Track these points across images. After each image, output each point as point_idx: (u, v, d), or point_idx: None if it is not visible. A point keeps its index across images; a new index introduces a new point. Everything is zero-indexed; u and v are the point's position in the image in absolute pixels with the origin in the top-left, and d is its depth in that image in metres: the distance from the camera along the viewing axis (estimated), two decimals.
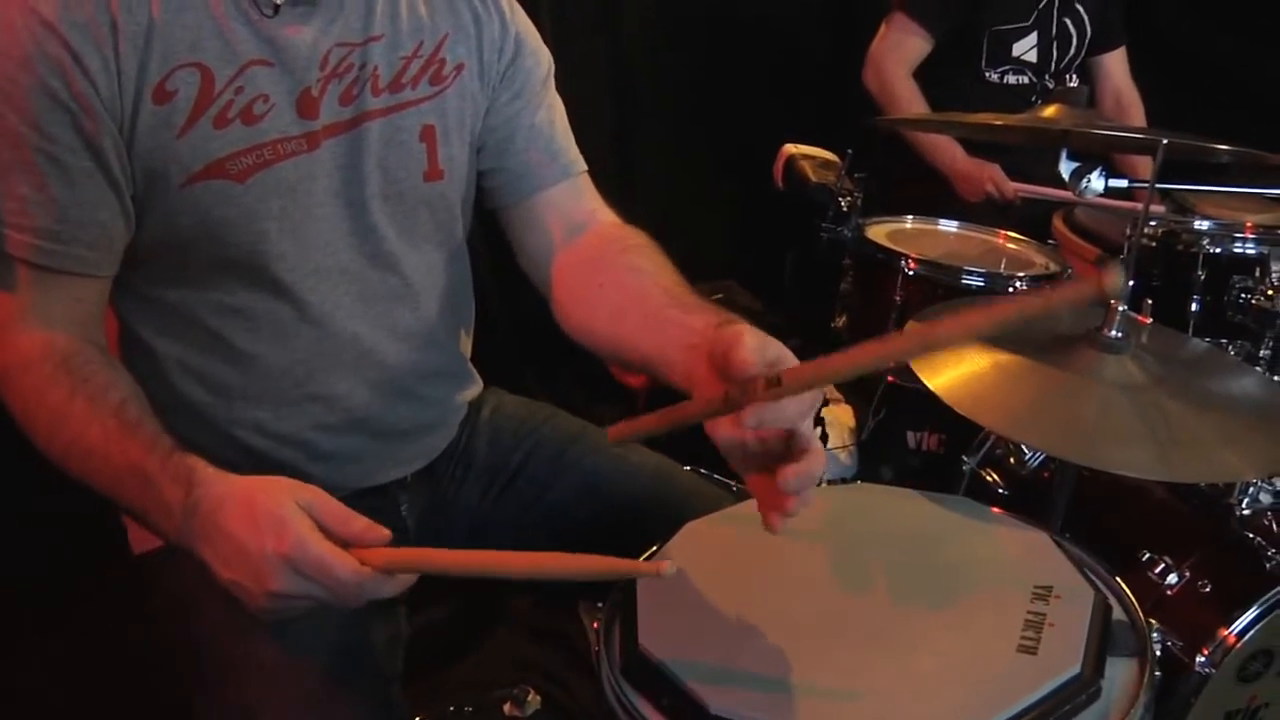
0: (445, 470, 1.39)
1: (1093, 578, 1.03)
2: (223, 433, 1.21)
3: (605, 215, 1.32)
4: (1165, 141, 1.30)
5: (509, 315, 2.58)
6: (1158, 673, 0.95)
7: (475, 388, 1.43)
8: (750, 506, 1.15)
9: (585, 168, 1.33)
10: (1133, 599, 1.02)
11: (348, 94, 1.14)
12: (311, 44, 1.11)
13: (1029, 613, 0.96)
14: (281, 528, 0.91)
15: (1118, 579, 1.05)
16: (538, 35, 1.32)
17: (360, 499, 1.28)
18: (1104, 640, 0.93)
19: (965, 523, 1.12)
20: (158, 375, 1.18)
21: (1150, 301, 1.33)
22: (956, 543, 1.09)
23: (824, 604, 1.00)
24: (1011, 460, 1.80)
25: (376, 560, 0.91)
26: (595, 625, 1.02)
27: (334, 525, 0.93)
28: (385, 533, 0.94)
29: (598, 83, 2.98)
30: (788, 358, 0.91)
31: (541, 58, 1.31)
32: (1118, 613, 1.00)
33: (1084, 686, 0.88)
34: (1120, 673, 0.94)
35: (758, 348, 0.90)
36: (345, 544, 0.92)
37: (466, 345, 1.40)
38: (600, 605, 1.04)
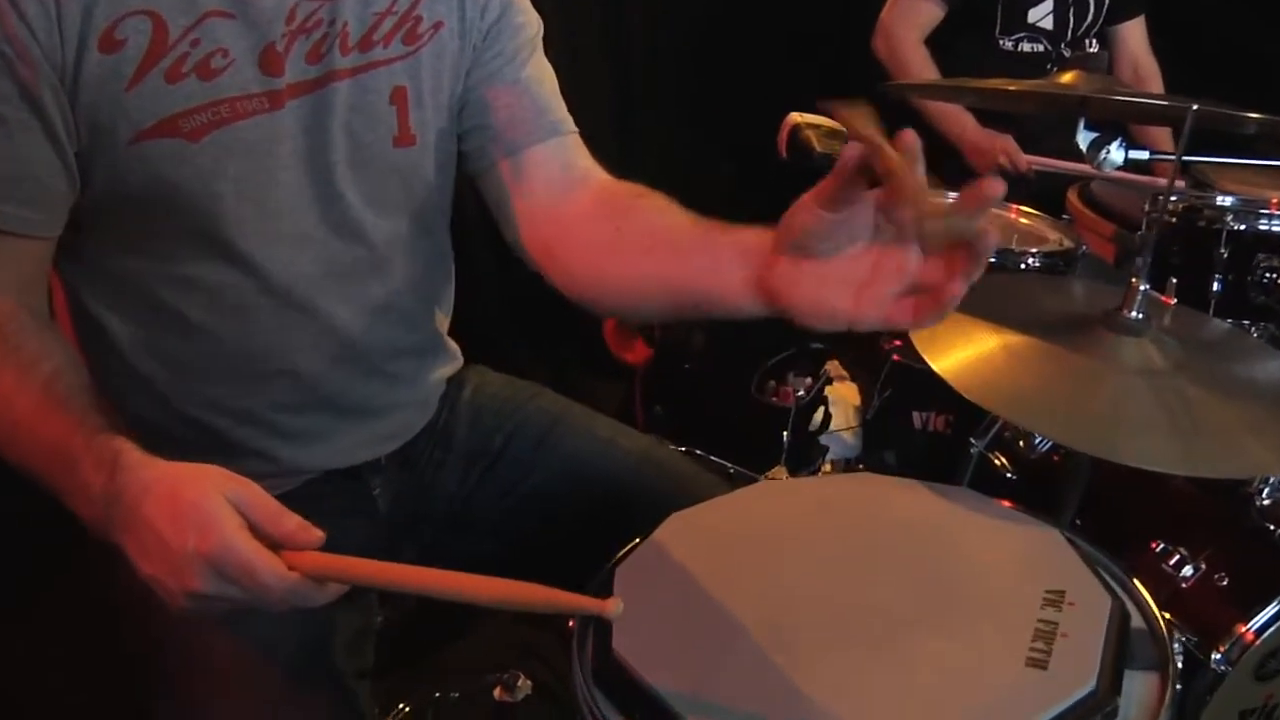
0: (422, 452, 1.32)
1: (1109, 580, 0.95)
2: (179, 410, 1.14)
3: (601, 174, 1.22)
4: (1194, 108, 1.21)
5: (502, 287, 2.51)
6: (1179, 685, 0.88)
7: (453, 365, 1.36)
8: (742, 496, 1.08)
9: (576, 129, 1.24)
10: (1153, 605, 0.94)
11: (315, 51, 1.07)
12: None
13: (1039, 621, 0.87)
14: (206, 524, 0.83)
15: (1136, 582, 0.97)
16: None
17: (330, 481, 1.23)
18: (1121, 653, 0.85)
19: (971, 518, 1.04)
20: (109, 350, 1.12)
21: (1175, 281, 1.25)
22: (961, 541, 1.01)
23: (816, 609, 0.92)
24: (1021, 444, 1.73)
25: (306, 564, 0.84)
26: (570, 624, 0.94)
27: (264, 522, 0.86)
28: (318, 534, 0.87)
29: (597, 61, 2.90)
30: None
31: (530, 17, 1.23)
32: (1136, 620, 0.92)
33: (1099, 705, 0.80)
34: (1139, 688, 0.86)
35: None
36: (275, 544, 0.85)
37: (443, 321, 1.33)
38: None
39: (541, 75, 1.23)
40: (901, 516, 1.04)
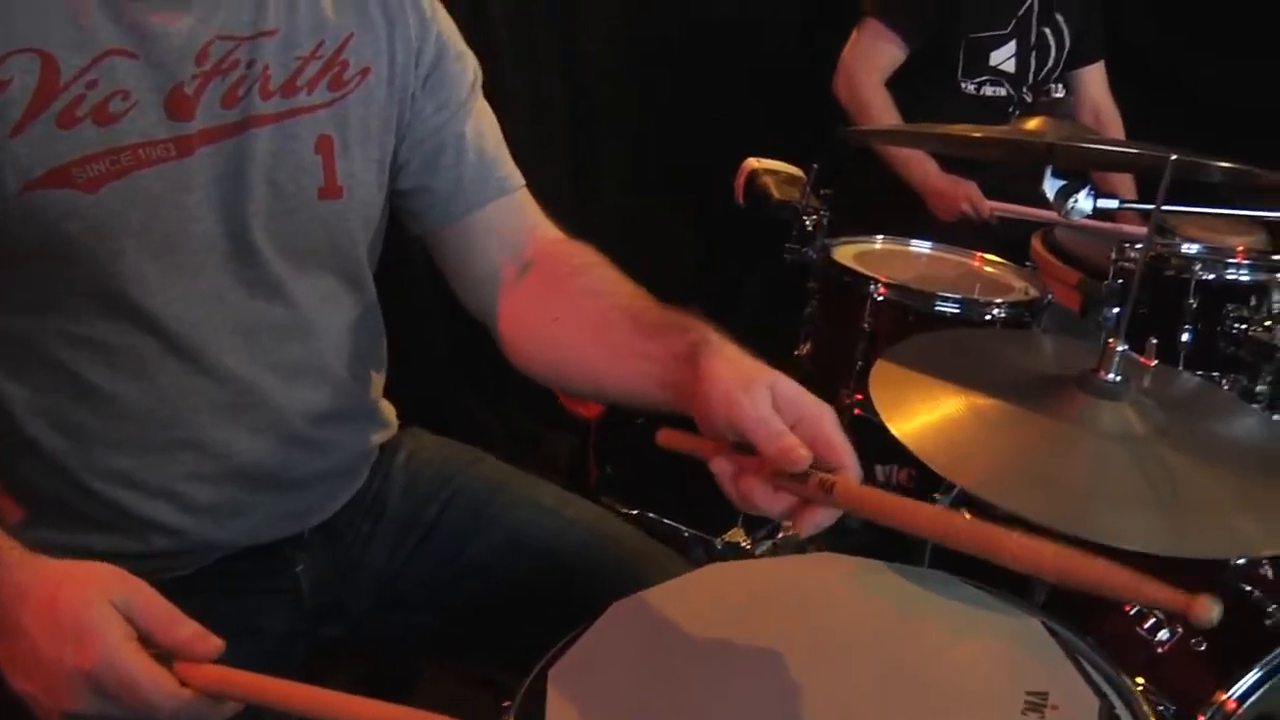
0: (350, 525, 1.23)
1: (1093, 674, 0.87)
2: (79, 482, 1.04)
3: (548, 231, 1.19)
4: (1173, 158, 1.15)
5: (449, 336, 2.42)
6: None
7: (386, 430, 1.27)
8: (690, 581, 0.99)
9: (523, 181, 1.19)
10: (1143, 702, 0.86)
11: (231, 95, 0.99)
12: (187, 34, 0.96)
13: None
14: (85, 636, 0.75)
15: (1123, 675, 0.89)
16: (460, 38, 1.17)
17: (247, 558, 1.13)
18: None
19: (942, 606, 0.95)
20: (2, 416, 1.02)
21: (1154, 341, 1.17)
22: (932, 634, 0.91)
23: (771, 716, 0.83)
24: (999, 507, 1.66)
25: (201, 679, 0.76)
26: None
27: (156, 631, 0.78)
28: (216, 644, 0.79)
29: (556, 97, 2.83)
30: (787, 391, 0.89)
31: (468, 62, 1.17)
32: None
33: None
34: None
35: (770, 428, 0.86)
36: (167, 655, 0.77)
37: (375, 384, 1.24)
38: (506, 705, 0.87)
39: (483, 126, 1.17)
40: (865, 606, 0.95)
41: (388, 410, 1.28)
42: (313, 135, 1.04)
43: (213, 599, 1.10)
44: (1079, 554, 0.72)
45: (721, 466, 0.89)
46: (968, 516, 0.79)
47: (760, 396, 0.87)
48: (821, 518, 0.87)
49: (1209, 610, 0.66)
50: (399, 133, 1.11)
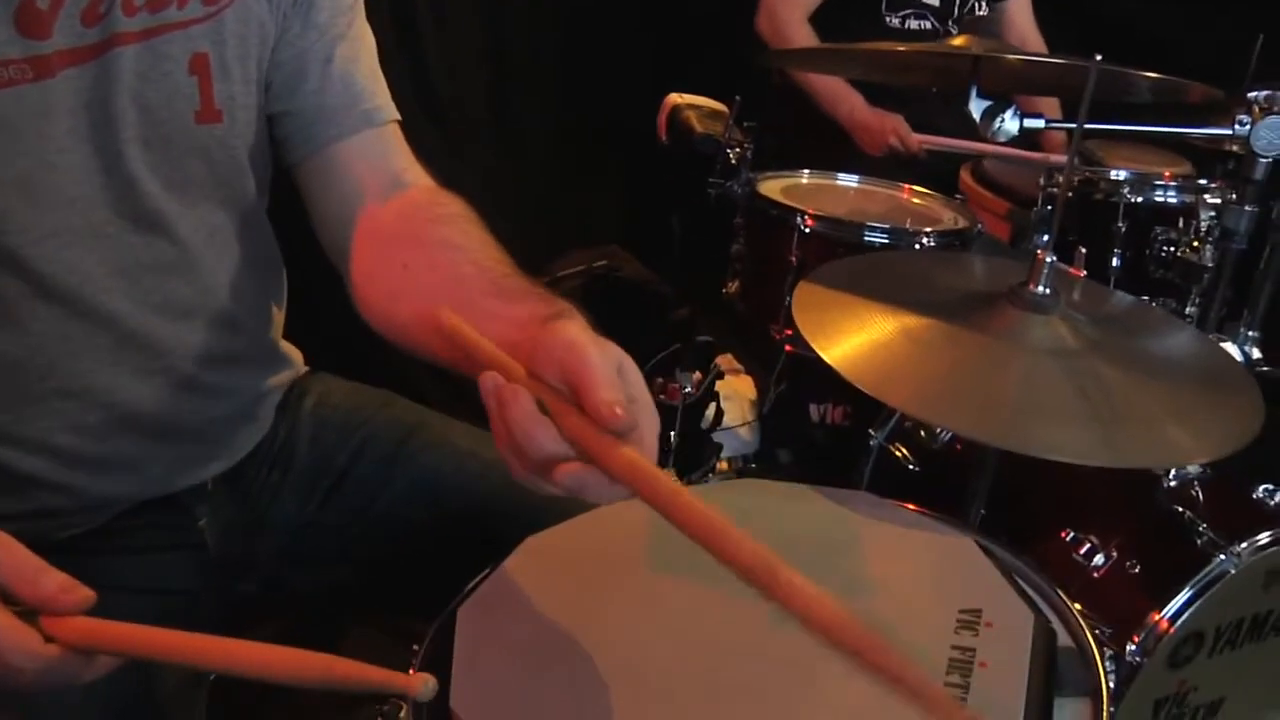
0: (256, 474, 1.16)
1: (1030, 592, 0.83)
2: None
3: (416, 176, 1.10)
4: (1099, 58, 1.11)
5: None
6: (1112, 708, 0.76)
7: (288, 372, 1.20)
8: (607, 513, 0.94)
9: (396, 116, 1.10)
10: (1079, 619, 0.82)
11: (92, 11, 0.90)
12: None
13: (954, 649, 0.75)
14: None
15: (1059, 592, 0.85)
16: None
17: (145, 512, 1.06)
18: (1049, 680, 0.73)
19: (871, 528, 0.91)
20: None
21: (1084, 251, 1.14)
22: (861, 557, 0.87)
23: (693, 650, 0.78)
24: (922, 433, 1.66)
25: (70, 634, 0.69)
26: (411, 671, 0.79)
27: (16, 584, 0.71)
28: (85, 594, 0.72)
29: (472, 41, 2.75)
30: (631, 374, 0.75)
31: None
32: (1063, 638, 0.80)
33: None
34: (1069, 718, 0.74)
35: (606, 380, 0.72)
36: (33, 611, 0.70)
37: (274, 323, 1.17)
38: (415, 649, 0.82)
39: (357, 53, 1.09)
40: (791, 530, 0.90)
41: (290, 352, 1.22)
42: (186, 54, 0.96)
43: (114, 557, 1.05)
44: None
45: (494, 382, 0.74)
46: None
47: (610, 356, 0.76)
48: (588, 479, 0.71)
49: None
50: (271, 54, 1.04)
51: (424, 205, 1.05)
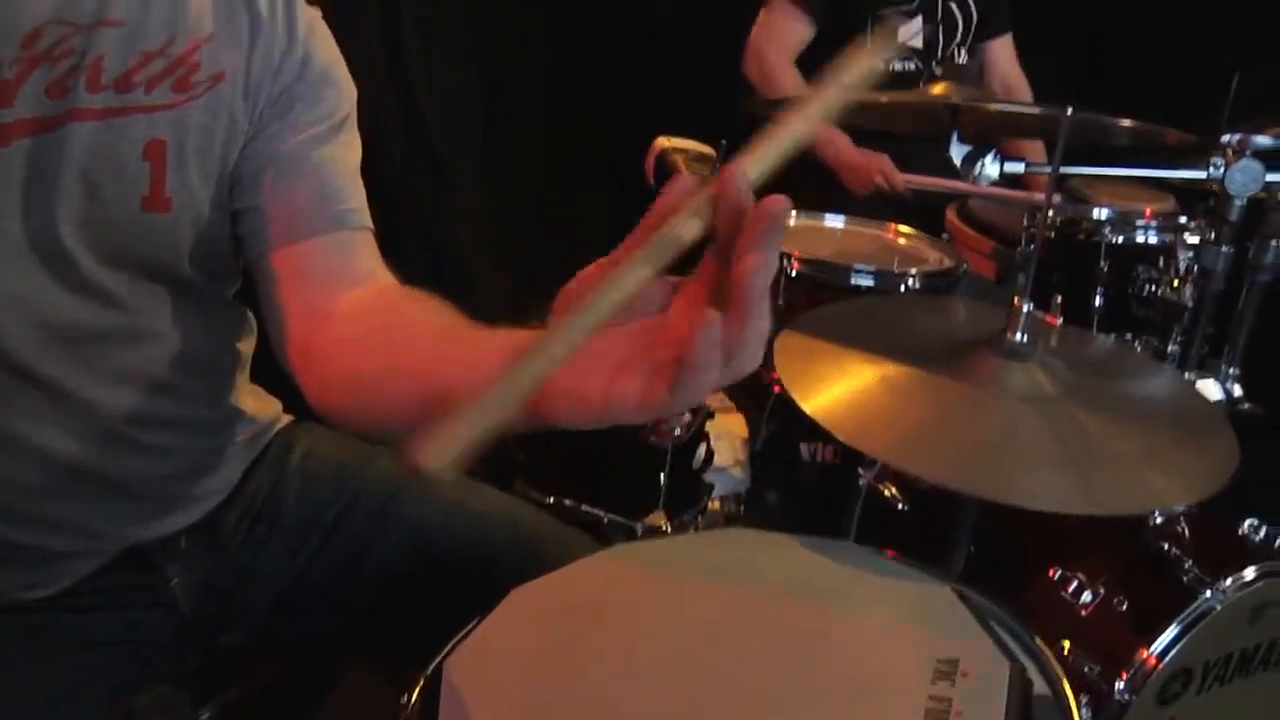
0: (237, 527, 1.16)
1: (1006, 639, 0.84)
2: None
3: (387, 279, 1.03)
4: (1069, 111, 1.13)
5: None
6: None
7: (252, 428, 1.18)
8: (594, 564, 0.95)
9: (369, 224, 1.04)
10: (1056, 665, 0.83)
11: (60, 85, 0.89)
12: (13, 14, 0.87)
13: (930, 699, 0.76)
14: None
15: (1037, 640, 0.87)
16: (339, 69, 1.06)
17: (115, 572, 1.06)
18: None
19: (853, 578, 0.92)
20: None
21: (1060, 299, 1.16)
22: (842, 607, 0.89)
23: (677, 696, 0.79)
24: (910, 473, 1.65)
25: None
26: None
27: None
28: None
29: (467, 82, 2.78)
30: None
31: (342, 90, 1.05)
32: (1039, 685, 0.81)
33: None
34: None
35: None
36: None
37: (234, 386, 1.15)
38: (404, 701, 0.83)
39: (337, 156, 1.04)
40: (774, 581, 0.92)
41: (260, 408, 1.20)
42: (143, 139, 0.94)
43: (86, 615, 1.04)
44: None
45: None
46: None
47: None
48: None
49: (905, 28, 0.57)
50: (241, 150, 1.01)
51: (399, 290, 1.00)
